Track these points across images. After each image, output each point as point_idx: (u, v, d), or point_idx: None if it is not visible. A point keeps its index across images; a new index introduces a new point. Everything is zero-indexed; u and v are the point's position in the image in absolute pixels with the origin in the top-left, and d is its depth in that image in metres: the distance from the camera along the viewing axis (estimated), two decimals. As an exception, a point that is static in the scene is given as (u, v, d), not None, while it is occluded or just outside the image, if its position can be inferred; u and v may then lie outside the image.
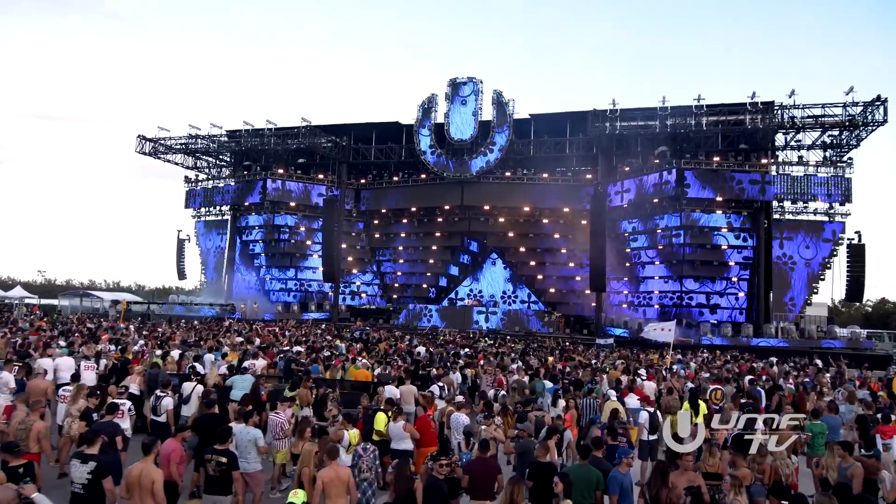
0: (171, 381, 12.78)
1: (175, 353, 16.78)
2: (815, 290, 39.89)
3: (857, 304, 59.64)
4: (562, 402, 12.67)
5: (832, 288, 40.12)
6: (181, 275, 54.18)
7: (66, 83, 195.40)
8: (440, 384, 13.82)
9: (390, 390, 13.08)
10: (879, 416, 12.39)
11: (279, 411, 9.63)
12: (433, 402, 11.83)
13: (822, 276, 39.64)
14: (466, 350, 24.98)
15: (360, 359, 17.58)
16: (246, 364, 15.18)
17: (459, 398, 11.12)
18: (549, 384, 15.32)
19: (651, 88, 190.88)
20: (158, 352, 16.67)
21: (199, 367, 14.82)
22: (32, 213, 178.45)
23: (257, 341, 24.58)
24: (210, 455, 7.05)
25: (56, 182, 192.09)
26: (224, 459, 6.99)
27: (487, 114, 45.51)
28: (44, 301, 60.89)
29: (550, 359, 22.86)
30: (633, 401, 13.05)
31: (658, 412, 11.19)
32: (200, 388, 11.25)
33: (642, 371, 18.07)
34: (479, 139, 45.33)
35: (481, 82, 45.59)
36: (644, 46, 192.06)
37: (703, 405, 12.74)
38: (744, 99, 37.46)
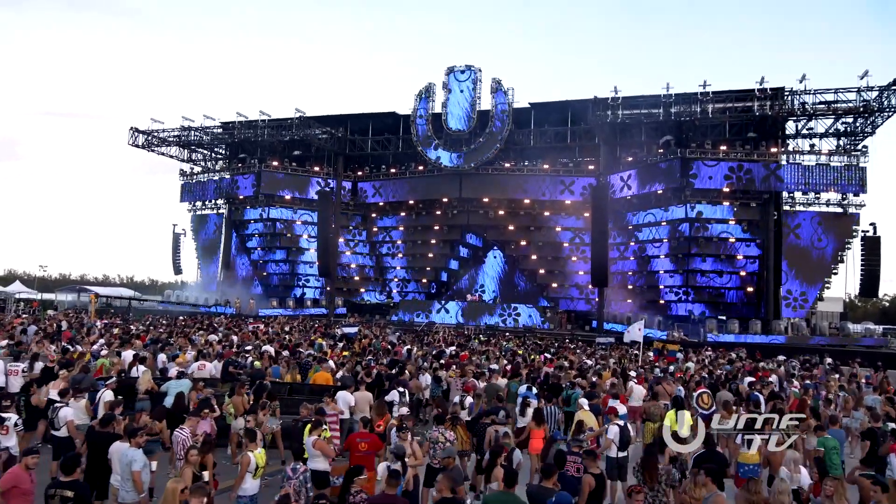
0: (97, 386, 11.66)
1: (127, 354, 15.62)
2: (828, 285, 38.14)
3: (874, 298, 57.66)
4: (531, 411, 11.37)
5: (846, 282, 38.43)
6: (177, 270, 53.43)
7: (61, 78, 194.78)
8: (399, 389, 12.49)
9: (343, 397, 11.81)
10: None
11: (184, 426, 8.35)
12: (385, 413, 10.52)
13: (835, 270, 37.90)
14: (452, 349, 23.67)
15: (328, 360, 16.33)
16: (192, 368, 14.01)
17: (403, 410, 9.78)
18: (522, 389, 14.03)
19: (655, 76, 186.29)
20: (104, 352, 15.48)
21: (140, 371, 13.60)
22: (42, 209, 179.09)
23: (234, 339, 23.49)
24: (53, 490, 5.78)
25: (56, 178, 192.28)
26: (69, 494, 5.71)
27: (486, 103, 44.10)
28: (46, 296, 60.29)
29: (537, 358, 21.54)
30: (621, 409, 11.67)
31: (629, 425, 9.81)
32: (109, 394, 10.01)
33: (632, 373, 16.66)
34: (477, 129, 43.89)
35: (479, 71, 44.14)
36: (647, 33, 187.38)
37: (687, 415, 11.36)
38: (752, 85, 35.82)
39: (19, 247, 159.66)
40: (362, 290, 52.57)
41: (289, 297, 48.96)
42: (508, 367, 18.07)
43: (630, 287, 43.62)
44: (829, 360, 27.08)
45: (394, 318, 44.96)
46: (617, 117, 38.06)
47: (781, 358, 26.49)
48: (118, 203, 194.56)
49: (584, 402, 10.84)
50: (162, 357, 15.86)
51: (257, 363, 14.89)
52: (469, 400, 12.32)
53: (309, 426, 8.69)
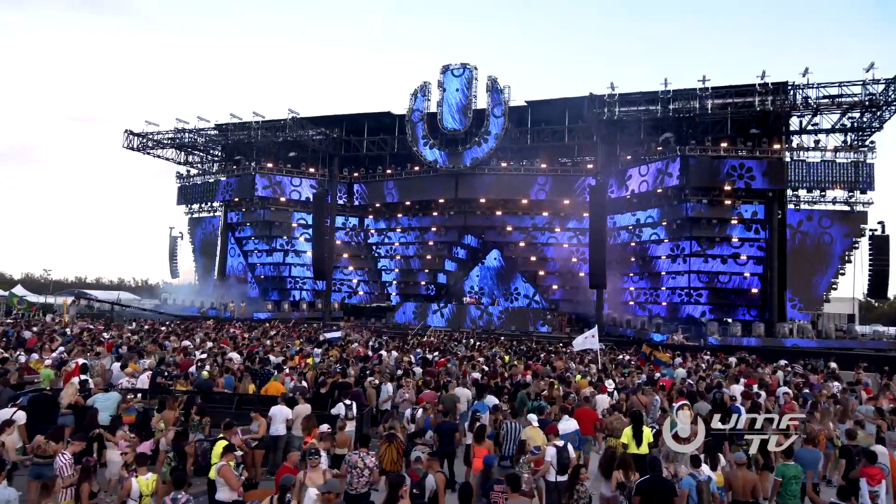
0: (20, 400, 10.96)
1: (75, 363, 14.93)
2: (835, 286, 36.87)
3: (884, 299, 56.04)
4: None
5: (854, 283, 37.02)
6: (174, 273, 53.10)
7: (59, 80, 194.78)
8: (346, 402, 11.65)
9: (279, 411, 10.99)
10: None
11: (65, 450, 7.55)
12: (313, 428, 9.69)
13: (842, 271, 36.64)
14: (435, 354, 22.80)
15: (285, 368, 15.57)
16: (142, 378, 13.28)
17: (323, 427, 8.94)
18: (493, 400, 13.13)
19: (654, 71, 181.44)
20: (48, 360, 14.81)
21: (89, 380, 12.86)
22: (58, 213, 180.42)
23: (209, 345, 22.80)
24: None
25: (68, 181, 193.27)
26: None
27: (482, 102, 43.23)
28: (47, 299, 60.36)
29: (518, 364, 20.58)
30: (570, 425, 10.76)
31: (569, 446, 8.91)
32: (21, 415, 9.27)
33: (609, 382, 15.70)
34: (473, 128, 43.02)
35: (475, 69, 43.27)
36: (645, 28, 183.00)
37: (647, 431, 10.47)
38: (753, 80, 34.63)
39: (41, 252, 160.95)
40: (361, 292, 51.87)
41: (284, 300, 48.36)
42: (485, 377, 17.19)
43: (632, 288, 42.57)
44: (833, 364, 25.89)
45: (387, 322, 44.32)
46: (613, 114, 37.01)
47: (783, 362, 25.29)
48: (134, 206, 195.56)
49: (532, 417, 9.93)
50: (117, 366, 15.18)
51: (205, 373, 14.09)
52: (420, 412, 11.49)
53: (223, 446, 7.85)
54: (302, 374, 15.47)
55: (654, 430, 11.31)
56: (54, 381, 14.04)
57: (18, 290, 61.31)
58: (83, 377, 13.05)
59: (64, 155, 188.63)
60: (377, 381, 14.72)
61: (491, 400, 12.82)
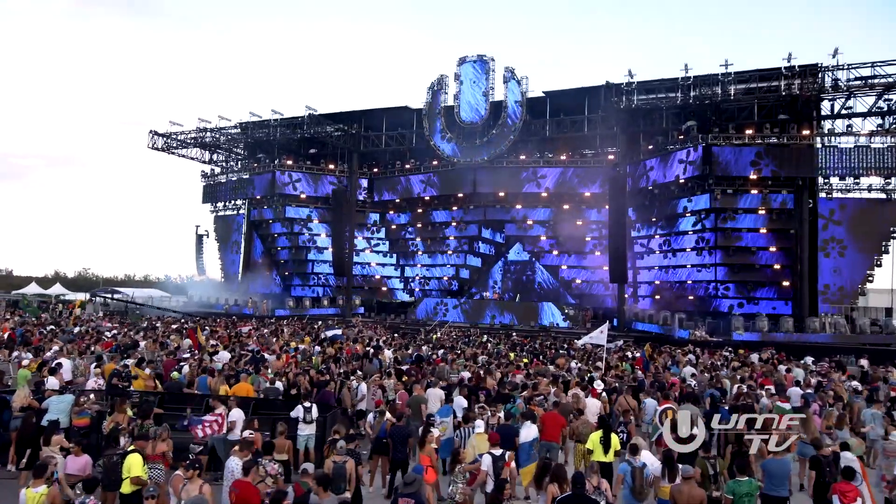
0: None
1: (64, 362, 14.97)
2: (871, 278, 34.93)
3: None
4: (436, 433, 10.00)
5: (892, 274, 34.90)
6: (200, 270, 53.89)
7: (76, 80, 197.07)
8: (305, 405, 11.29)
9: (235, 415, 10.71)
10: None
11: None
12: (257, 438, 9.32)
13: (878, 262, 34.69)
14: (435, 352, 22.34)
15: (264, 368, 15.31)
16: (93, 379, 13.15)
17: (245, 433, 8.53)
18: (462, 403, 12.58)
19: (673, 57, 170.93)
20: (26, 361, 14.86)
21: (52, 381, 12.84)
22: (110, 213, 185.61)
23: (213, 343, 22.84)
24: None
25: (106, 183, 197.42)
26: None
27: (499, 93, 42.37)
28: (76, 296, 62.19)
29: (517, 363, 19.95)
30: (529, 432, 10.16)
31: (506, 454, 8.32)
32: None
33: (599, 383, 14.96)
34: (490, 121, 42.25)
35: (492, 60, 42.44)
36: (663, 11, 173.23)
37: (615, 438, 9.80)
38: (778, 63, 32.93)
39: (94, 252, 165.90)
40: (384, 288, 51.72)
41: (306, 296, 48.53)
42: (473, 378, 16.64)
43: (657, 283, 41.26)
44: (864, 361, 24.50)
45: (410, 317, 44.08)
46: (632, 103, 35.75)
47: (809, 359, 24.07)
48: (175, 205, 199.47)
49: (480, 424, 9.36)
50: (93, 365, 15.16)
51: (175, 374, 13.91)
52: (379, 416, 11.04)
53: (134, 461, 7.44)
54: (281, 373, 15.20)
55: (623, 436, 10.66)
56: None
57: (57, 289, 63.54)
58: (50, 378, 13.04)
59: (105, 157, 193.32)
60: (354, 383, 14.36)
61: (460, 403, 12.35)
